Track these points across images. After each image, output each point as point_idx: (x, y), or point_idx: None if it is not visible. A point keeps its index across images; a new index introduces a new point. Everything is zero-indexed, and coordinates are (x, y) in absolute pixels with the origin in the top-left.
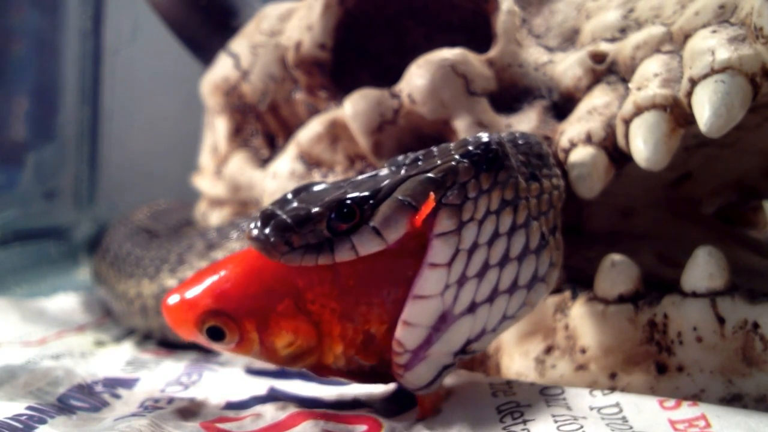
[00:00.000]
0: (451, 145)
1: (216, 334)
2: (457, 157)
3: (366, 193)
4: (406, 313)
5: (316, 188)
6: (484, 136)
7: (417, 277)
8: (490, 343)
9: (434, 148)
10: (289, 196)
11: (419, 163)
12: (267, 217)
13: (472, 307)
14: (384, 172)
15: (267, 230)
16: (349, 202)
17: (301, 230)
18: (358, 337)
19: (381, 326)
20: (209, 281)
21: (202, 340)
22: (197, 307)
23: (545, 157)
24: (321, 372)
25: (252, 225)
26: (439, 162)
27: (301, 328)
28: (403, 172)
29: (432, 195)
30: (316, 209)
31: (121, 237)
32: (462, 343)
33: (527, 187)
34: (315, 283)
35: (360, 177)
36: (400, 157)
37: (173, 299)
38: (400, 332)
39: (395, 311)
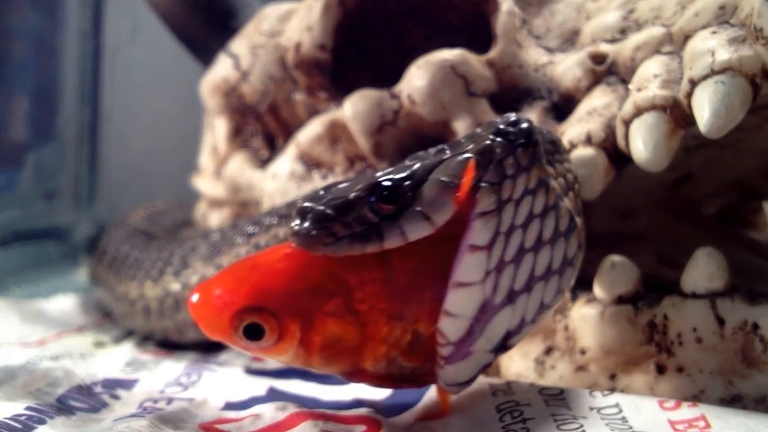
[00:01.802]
0: (478, 129)
1: (254, 333)
2: (490, 135)
3: (403, 174)
4: (448, 302)
5: (344, 184)
6: (512, 115)
7: (456, 262)
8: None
9: (461, 137)
10: (321, 192)
11: (447, 151)
12: (304, 211)
13: (512, 296)
14: (408, 162)
15: (307, 224)
16: (388, 183)
17: (343, 218)
18: (406, 338)
19: (431, 325)
20: (249, 276)
21: (235, 339)
22: (236, 303)
23: (557, 143)
24: (353, 376)
25: (291, 223)
26: (471, 144)
27: (347, 330)
28: (432, 158)
29: (471, 167)
30: (354, 194)
31: (119, 239)
32: (502, 335)
33: (552, 168)
34: (367, 281)
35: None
36: (421, 153)
37: (205, 294)
38: (442, 323)
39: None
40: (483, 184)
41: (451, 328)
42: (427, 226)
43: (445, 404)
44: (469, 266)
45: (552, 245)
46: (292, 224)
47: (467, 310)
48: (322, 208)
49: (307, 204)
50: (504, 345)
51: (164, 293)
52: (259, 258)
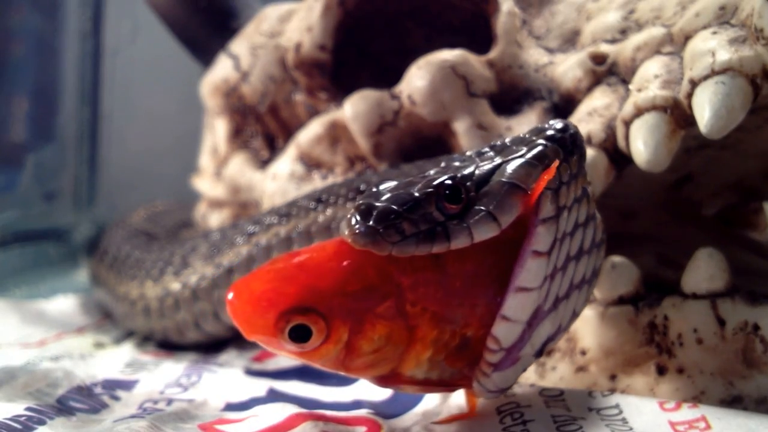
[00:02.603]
0: (524, 134)
1: (301, 335)
2: (542, 140)
3: (466, 172)
4: (507, 307)
5: (387, 184)
6: (559, 121)
7: (519, 267)
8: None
9: (506, 141)
10: (374, 190)
11: (490, 152)
12: (367, 209)
13: (556, 303)
14: (455, 163)
15: (372, 221)
16: (451, 182)
17: (411, 215)
18: (454, 342)
19: (480, 329)
20: (297, 274)
21: (277, 340)
22: (284, 302)
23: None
24: (389, 381)
25: (350, 222)
26: (524, 148)
27: (395, 333)
28: (478, 161)
29: (551, 171)
30: (423, 191)
31: (119, 239)
32: (543, 341)
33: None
34: (420, 283)
35: (429, 172)
36: (455, 156)
37: (247, 292)
38: (497, 328)
39: (497, 311)
40: (546, 190)
41: (506, 333)
42: (494, 228)
43: (473, 406)
44: (531, 272)
45: (588, 255)
46: (351, 223)
47: (524, 315)
48: (388, 204)
49: (368, 202)
50: (542, 351)
51: (164, 293)
52: (305, 256)
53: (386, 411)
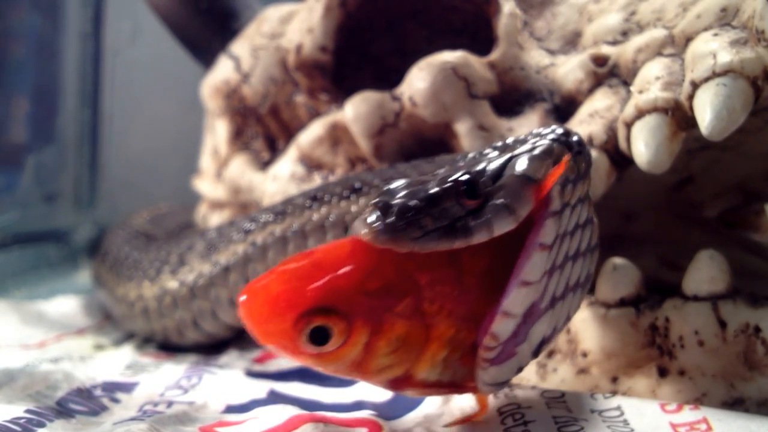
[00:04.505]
0: (524, 135)
1: (321, 337)
2: (550, 139)
3: (479, 168)
4: (508, 301)
5: (399, 183)
6: (559, 126)
7: (524, 259)
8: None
9: (509, 140)
10: (388, 187)
11: (494, 152)
12: (385, 206)
13: (553, 302)
14: (461, 162)
15: (392, 218)
16: (467, 177)
17: (432, 211)
18: (469, 340)
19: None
20: (315, 274)
21: (296, 344)
22: (303, 303)
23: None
24: (401, 385)
25: (367, 220)
26: (529, 145)
27: (413, 332)
28: (487, 158)
29: (564, 164)
30: (441, 187)
31: (120, 240)
32: (539, 341)
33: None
34: (438, 280)
35: (438, 171)
36: (458, 155)
37: (262, 294)
38: (497, 324)
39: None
40: (555, 185)
41: (503, 328)
42: (512, 220)
43: (484, 405)
44: (536, 265)
45: (584, 258)
46: (368, 220)
47: (520, 309)
48: (408, 200)
49: (385, 199)
50: (538, 350)
51: (162, 292)
52: (320, 255)
53: (387, 412)
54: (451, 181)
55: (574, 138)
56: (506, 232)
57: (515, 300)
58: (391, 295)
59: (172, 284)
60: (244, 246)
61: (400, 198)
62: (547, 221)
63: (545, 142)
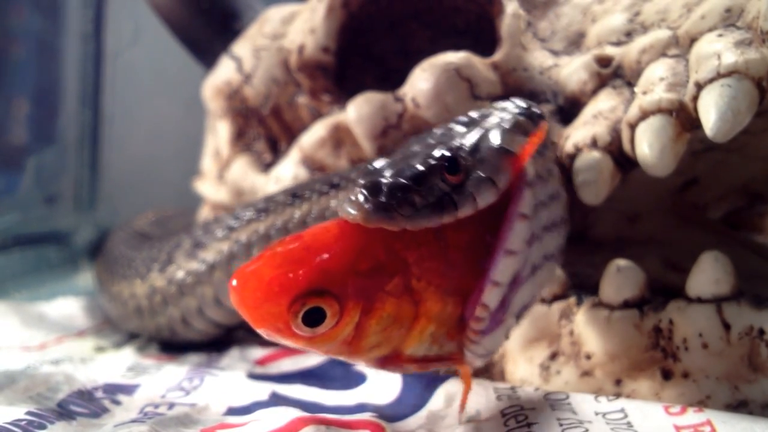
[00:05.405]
0: (487, 108)
1: (314, 319)
2: (512, 113)
3: (456, 144)
4: (496, 271)
5: (382, 162)
6: (519, 99)
7: (506, 230)
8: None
9: (472, 114)
10: (371, 167)
11: (461, 127)
12: (374, 185)
13: (533, 270)
14: (431, 140)
15: (383, 197)
16: (449, 154)
17: (420, 188)
18: (456, 313)
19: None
20: (306, 256)
21: (289, 327)
22: (297, 286)
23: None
24: (389, 362)
25: (356, 200)
26: (497, 119)
27: (403, 309)
28: (458, 134)
29: (540, 133)
30: (427, 164)
31: (117, 241)
32: (521, 308)
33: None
34: (425, 257)
35: (414, 148)
36: (424, 134)
37: (255, 278)
38: (486, 294)
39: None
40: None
41: (493, 298)
42: (494, 192)
43: (468, 378)
44: (518, 235)
45: (557, 229)
46: (358, 200)
47: (507, 278)
48: (396, 179)
49: (373, 179)
50: (519, 317)
51: (151, 290)
52: (309, 238)
53: (390, 414)
54: (433, 158)
55: (536, 110)
56: (487, 211)
57: (502, 269)
58: (381, 275)
59: (161, 282)
60: (229, 244)
61: (387, 177)
62: (525, 192)
63: (512, 114)
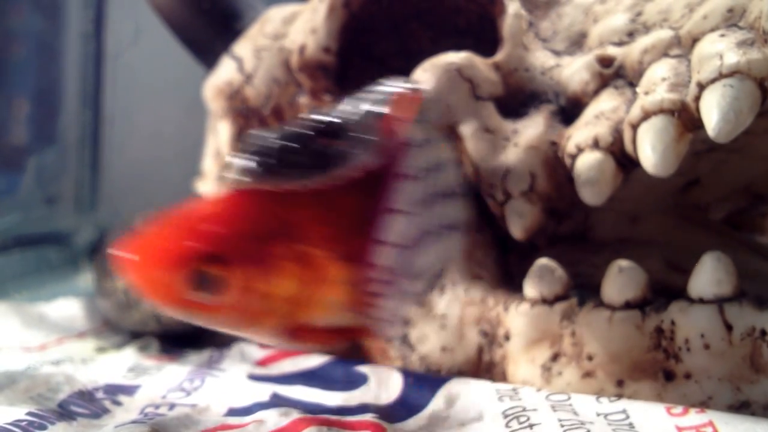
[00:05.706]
0: (370, 87)
1: (205, 285)
2: (395, 86)
3: (336, 113)
4: (378, 228)
5: (262, 133)
6: (400, 77)
7: (386, 189)
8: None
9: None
10: (254, 135)
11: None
12: (256, 149)
13: (431, 237)
14: (314, 114)
15: (261, 158)
16: (327, 118)
17: (302, 149)
18: (358, 281)
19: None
20: (192, 224)
21: (186, 296)
22: (186, 254)
23: None
24: (294, 335)
25: (236, 164)
26: (378, 92)
27: (295, 275)
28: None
29: (415, 100)
30: (306, 126)
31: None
32: (422, 273)
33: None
34: (315, 221)
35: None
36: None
37: (150, 249)
38: (372, 253)
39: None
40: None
41: (379, 256)
42: (367, 149)
43: (382, 349)
44: (397, 192)
45: (451, 201)
46: (237, 164)
47: (392, 236)
48: (274, 141)
49: (255, 142)
50: (427, 284)
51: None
52: (188, 208)
53: (392, 415)
54: (312, 121)
55: (413, 85)
56: (370, 176)
57: (384, 227)
58: (267, 238)
59: None
60: None
61: (268, 141)
62: (403, 154)
63: (392, 86)
